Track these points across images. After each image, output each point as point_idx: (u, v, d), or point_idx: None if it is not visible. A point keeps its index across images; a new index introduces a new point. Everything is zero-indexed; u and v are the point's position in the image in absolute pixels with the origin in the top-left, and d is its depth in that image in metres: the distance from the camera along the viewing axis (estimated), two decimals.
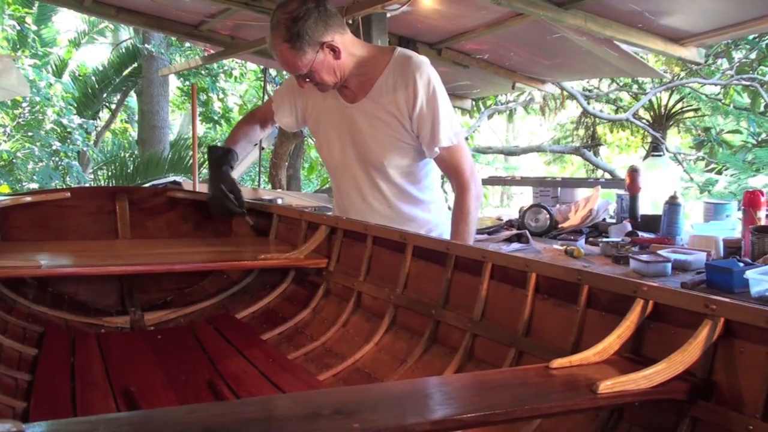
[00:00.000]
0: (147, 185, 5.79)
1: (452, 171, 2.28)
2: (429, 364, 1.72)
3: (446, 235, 2.34)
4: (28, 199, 2.53)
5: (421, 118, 2.18)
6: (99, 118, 13.24)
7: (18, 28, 10.13)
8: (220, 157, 2.50)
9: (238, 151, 2.55)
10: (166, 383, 1.68)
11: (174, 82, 14.17)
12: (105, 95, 12.96)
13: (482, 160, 14.63)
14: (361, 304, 2.10)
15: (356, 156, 2.33)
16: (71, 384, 1.64)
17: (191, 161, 9.96)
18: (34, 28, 10.95)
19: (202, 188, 3.53)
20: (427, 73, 2.17)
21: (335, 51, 2.14)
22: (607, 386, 1.09)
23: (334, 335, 2.03)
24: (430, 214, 2.40)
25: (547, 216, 3.85)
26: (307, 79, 2.19)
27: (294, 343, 2.06)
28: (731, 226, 3.37)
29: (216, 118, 14.15)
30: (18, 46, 10.55)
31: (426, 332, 1.79)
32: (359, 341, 1.94)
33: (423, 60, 2.21)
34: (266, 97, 8.19)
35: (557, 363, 1.21)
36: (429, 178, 2.39)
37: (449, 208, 2.38)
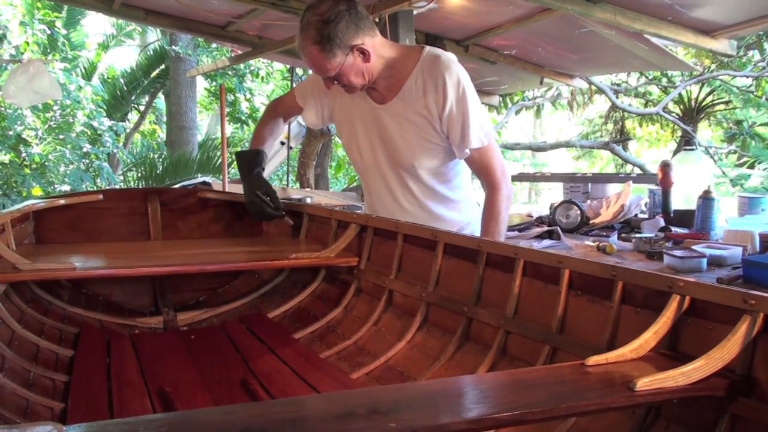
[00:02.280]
0: (177, 186, 5.84)
1: (483, 171, 2.26)
2: (462, 362, 1.72)
3: (477, 234, 2.33)
4: (62, 201, 2.56)
5: (451, 119, 2.16)
6: (128, 120, 13.39)
7: (48, 32, 10.25)
8: (251, 161, 2.51)
9: (266, 151, 2.56)
10: (200, 383, 1.70)
11: (201, 84, 14.31)
12: (133, 97, 13.11)
13: (510, 157, 14.57)
14: (392, 302, 2.10)
15: (386, 157, 2.32)
16: (107, 384, 1.66)
17: (220, 161, 10.05)
18: (63, 32, 11.08)
19: (232, 188, 3.55)
20: (457, 73, 2.15)
21: (365, 54, 2.12)
22: (644, 383, 1.08)
23: (366, 334, 2.04)
24: (461, 213, 2.39)
25: (578, 212, 3.82)
26: (335, 81, 2.18)
27: (326, 341, 2.07)
28: (767, 220, 3.32)
29: (243, 118, 14.24)
30: (48, 50, 10.69)
31: (458, 330, 1.79)
32: (391, 339, 1.94)
33: (452, 59, 2.19)
34: None
35: (593, 360, 1.20)
36: (459, 178, 2.38)
37: (478, 205, 2.38)
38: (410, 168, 2.29)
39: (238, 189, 2.77)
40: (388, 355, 1.86)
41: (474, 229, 2.38)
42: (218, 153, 11.23)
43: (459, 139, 2.18)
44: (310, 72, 2.43)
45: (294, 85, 8.91)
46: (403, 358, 1.86)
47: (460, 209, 2.40)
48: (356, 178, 11.52)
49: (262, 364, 1.84)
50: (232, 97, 13.50)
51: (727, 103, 9.85)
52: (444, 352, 1.77)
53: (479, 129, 2.18)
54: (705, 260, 2.66)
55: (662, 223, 3.52)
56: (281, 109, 2.64)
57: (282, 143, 7.45)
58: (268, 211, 2.48)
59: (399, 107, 2.23)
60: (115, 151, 10.78)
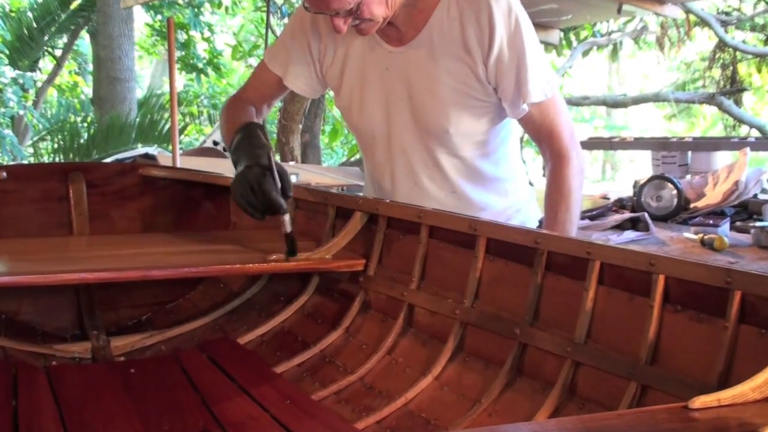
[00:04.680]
0: (109, 161, 5.86)
1: (545, 136, 2.25)
2: (513, 406, 1.71)
3: (531, 225, 2.32)
4: None
5: (501, 63, 2.14)
6: (39, 69, 13.42)
7: None
8: (254, 132, 2.31)
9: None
10: None
11: (141, 17, 14.31)
12: (47, 38, 13.12)
13: (576, 115, 14.55)
14: (413, 323, 2.10)
15: (407, 122, 2.30)
16: None
17: (169, 126, 10.05)
18: None
19: (187, 163, 3.55)
20: None
21: None
22: None
23: (377, 366, 2.03)
24: (508, 197, 2.40)
25: (674, 192, 3.81)
26: (351, 18, 2.16)
27: (320, 377, 2.06)
28: None
29: (200, 65, 14.24)
30: None
31: (508, 360, 1.78)
32: (412, 374, 1.94)
33: None
34: (270, 35, 8.21)
35: (700, 402, 1.18)
36: (506, 148, 2.38)
37: (531, 185, 2.37)
38: (442, 135, 2.28)
39: (195, 164, 2.76)
40: (407, 397, 1.85)
41: (527, 218, 2.38)
42: (166, 115, 11.25)
43: (513, 92, 2.17)
44: (293, 0, 2.40)
45: (271, 18, 8.91)
46: (429, 400, 1.85)
47: (507, 192, 2.40)
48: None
49: (231, 409, 1.83)
50: (185, 36, 13.51)
51: None
52: (487, 392, 1.76)
53: (541, 76, 2.17)
54: None
55: None
56: (248, 95, 2.51)
57: None
58: (275, 201, 2.18)
59: (425, 48, 2.21)
60: (21, 112, 10.81)
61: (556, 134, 2.23)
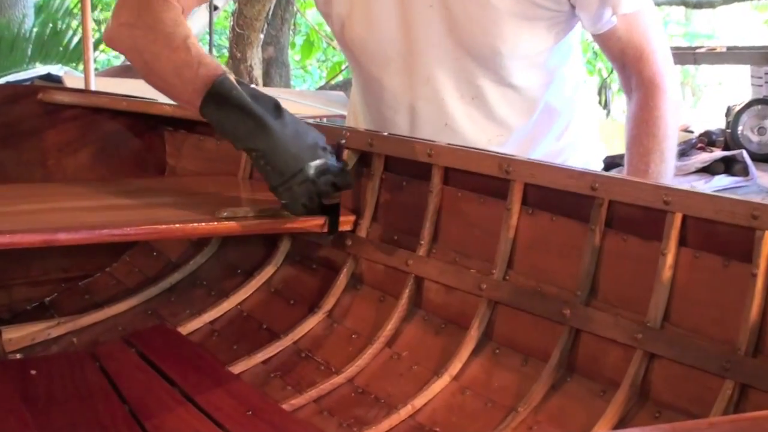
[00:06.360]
0: None
1: (633, 58, 2.29)
2: (562, 416, 1.72)
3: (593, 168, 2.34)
4: None
5: None
6: None
7: None
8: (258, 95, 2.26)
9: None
10: None
11: None
12: None
13: None
14: (422, 303, 2.10)
15: (438, 38, 2.31)
16: None
17: (79, 38, 10.01)
18: None
19: (104, 85, 3.53)
20: None
21: None
22: None
23: (373, 363, 2.04)
24: (566, 135, 2.46)
25: None
26: None
27: (294, 379, 2.07)
28: None
29: None
30: None
31: (554, 353, 1.78)
32: (422, 373, 1.95)
33: None
34: None
35: None
36: (568, 69, 2.43)
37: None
38: (491, 58, 2.30)
39: (117, 87, 2.75)
40: (414, 405, 1.86)
41: (588, 159, 2.46)
42: (75, 23, 11.20)
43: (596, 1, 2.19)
44: None
45: None
46: (445, 408, 1.85)
47: (568, 125, 2.46)
48: (343, 66, 11.49)
49: (169, 423, 1.83)
50: None
51: None
52: (526, 396, 1.76)
53: None
54: None
55: None
56: None
57: None
58: (350, 182, 2.16)
59: None
60: None
61: (647, 56, 2.27)
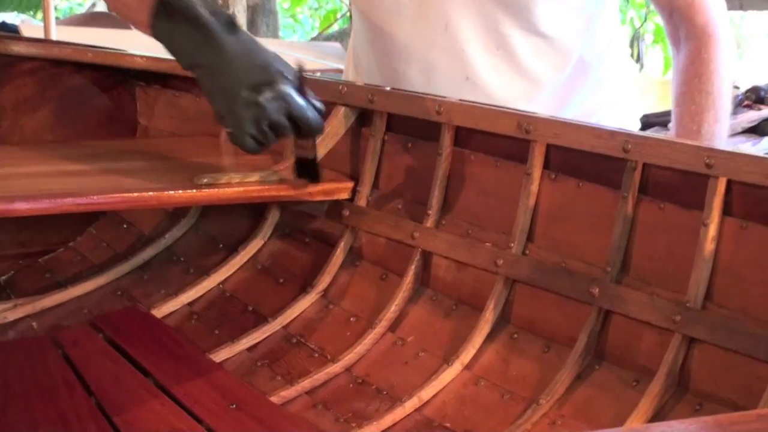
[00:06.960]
0: None
1: (684, 3, 2.28)
2: (590, 408, 1.71)
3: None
4: None
5: None
6: None
7: None
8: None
9: None
10: None
11: None
12: None
13: None
14: (430, 281, 2.11)
15: None
16: None
17: None
18: None
19: (66, 35, 3.52)
20: None
21: None
22: None
23: (374, 350, 2.04)
24: (601, 90, 2.46)
25: None
26: None
27: (284, 368, 2.07)
28: None
29: None
30: None
31: (581, 337, 1.78)
32: (430, 361, 1.95)
33: None
34: None
35: None
36: (605, 21, 2.43)
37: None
38: (523, 6, 2.29)
39: (81, 37, 2.73)
40: (422, 397, 1.85)
41: (622, 117, 2.45)
42: None
43: None
44: None
45: None
46: (456, 400, 1.85)
47: (603, 80, 2.47)
48: (339, 14, 11.51)
49: (142, 417, 1.83)
50: None
51: None
52: (549, 387, 1.75)
53: None
54: None
55: None
56: None
57: None
58: (313, 122, 2.07)
59: None
60: None
61: (698, 2, 2.26)
